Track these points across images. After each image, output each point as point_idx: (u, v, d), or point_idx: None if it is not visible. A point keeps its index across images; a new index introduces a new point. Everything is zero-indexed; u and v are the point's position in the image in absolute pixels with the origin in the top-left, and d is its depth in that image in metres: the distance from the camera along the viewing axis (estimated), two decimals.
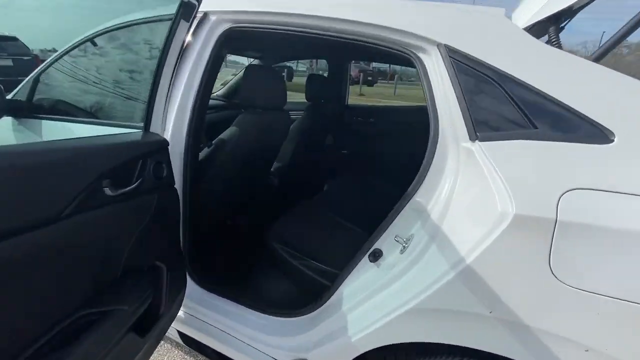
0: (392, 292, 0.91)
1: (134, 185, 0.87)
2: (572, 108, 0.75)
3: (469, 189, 0.80)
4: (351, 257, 1.49)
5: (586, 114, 0.74)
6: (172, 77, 1.08)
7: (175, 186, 1.09)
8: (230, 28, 1.18)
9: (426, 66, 0.93)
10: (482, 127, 0.81)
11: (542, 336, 0.70)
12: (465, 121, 0.83)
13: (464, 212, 0.80)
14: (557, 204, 0.67)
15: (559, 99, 0.76)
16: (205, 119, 1.30)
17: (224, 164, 1.47)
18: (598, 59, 0.82)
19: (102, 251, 0.82)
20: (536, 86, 0.78)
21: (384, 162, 2.74)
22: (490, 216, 0.72)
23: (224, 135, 1.46)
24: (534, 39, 0.83)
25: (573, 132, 0.74)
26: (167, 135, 1.13)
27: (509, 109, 0.80)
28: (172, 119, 1.14)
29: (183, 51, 1.11)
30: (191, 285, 1.36)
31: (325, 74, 2.50)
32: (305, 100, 2.36)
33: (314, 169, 2.75)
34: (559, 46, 0.84)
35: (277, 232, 1.52)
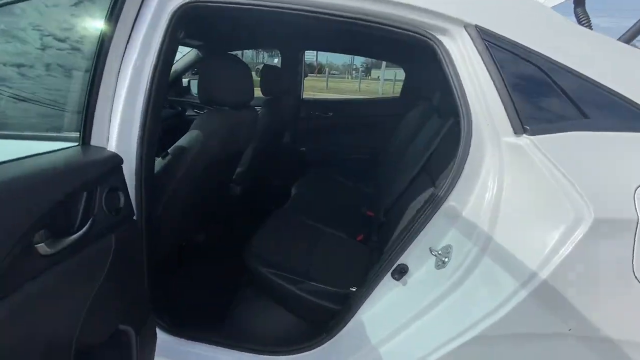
0: (437, 317, 0.78)
1: (82, 231, 0.58)
2: (621, 94, 0.69)
3: (523, 191, 0.70)
4: (353, 270, 1.35)
5: (636, 101, 0.69)
6: (119, 68, 0.78)
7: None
8: (186, 4, 0.90)
9: (449, 51, 0.80)
10: (529, 119, 0.72)
11: (627, 348, 0.64)
12: (508, 113, 0.73)
13: (521, 218, 0.70)
14: (634, 201, 0.61)
15: (607, 86, 0.70)
16: (160, 122, 1.00)
17: (186, 176, 1.17)
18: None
19: (43, 342, 0.52)
20: (583, 72, 0.71)
21: (346, 157, 2.64)
22: (560, 222, 0.62)
23: (184, 141, 1.16)
24: (568, 20, 0.76)
25: (624, 120, 0.69)
26: (112, 147, 0.82)
27: (557, 98, 0.72)
28: (116, 125, 0.83)
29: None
30: (159, 335, 1.06)
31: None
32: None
33: (276, 171, 2.52)
34: (590, 27, 0.79)
35: (258, 252, 1.28)
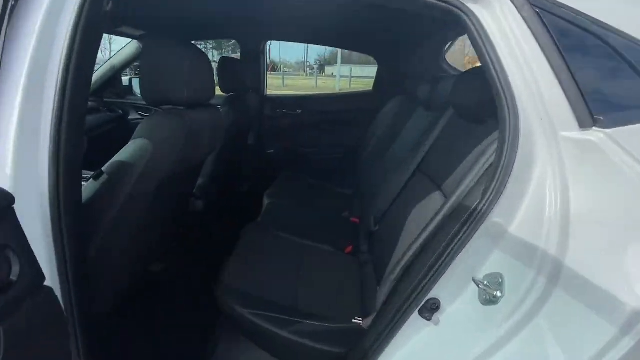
0: None
1: None
2: None
3: (602, 201, 0.54)
4: (349, 293, 1.14)
5: None
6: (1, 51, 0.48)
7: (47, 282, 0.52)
8: None
9: (484, 24, 0.62)
10: (599, 107, 0.56)
11: None
12: (571, 101, 0.56)
13: (603, 237, 0.53)
14: None
15: None
16: (83, 131, 0.70)
17: (131, 200, 0.88)
18: None
19: None
20: None
21: (318, 157, 2.43)
22: None
23: (125, 155, 0.87)
24: None
25: None
26: (3, 180, 0.52)
27: (629, 79, 0.56)
28: (10, 142, 0.53)
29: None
30: None
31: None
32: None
33: (243, 179, 2.24)
34: None
35: (233, 287, 1.02)
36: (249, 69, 1.90)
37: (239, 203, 2.02)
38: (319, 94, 2.52)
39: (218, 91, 1.72)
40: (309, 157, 2.42)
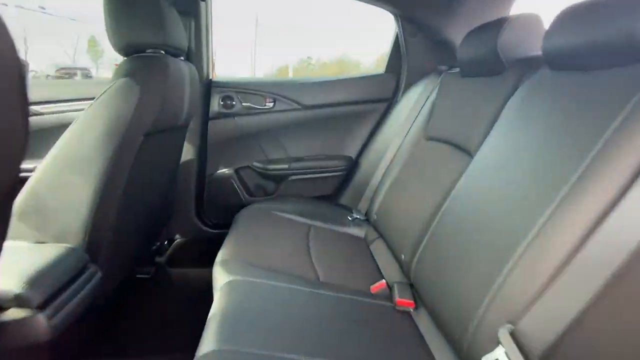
0: None
1: None
2: None
3: None
4: None
5: None
6: None
7: None
8: None
9: None
10: None
11: None
12: None
13: None
14: None
15: None
16: None
17: None
18: None
19: None
20: None
21: (302, 179, 1.53)
22: None
23: None
24: None
25: None
26: None
27: None
28: None
29: None
30: None
31: None
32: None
33: (168, 232, 1.28)
34: None
35: None
36: (178, 22, 0.98)
37: (161, 293, 1.05)
38: (302, 79, 1.60)
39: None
40: (287, 179, 1.51)
